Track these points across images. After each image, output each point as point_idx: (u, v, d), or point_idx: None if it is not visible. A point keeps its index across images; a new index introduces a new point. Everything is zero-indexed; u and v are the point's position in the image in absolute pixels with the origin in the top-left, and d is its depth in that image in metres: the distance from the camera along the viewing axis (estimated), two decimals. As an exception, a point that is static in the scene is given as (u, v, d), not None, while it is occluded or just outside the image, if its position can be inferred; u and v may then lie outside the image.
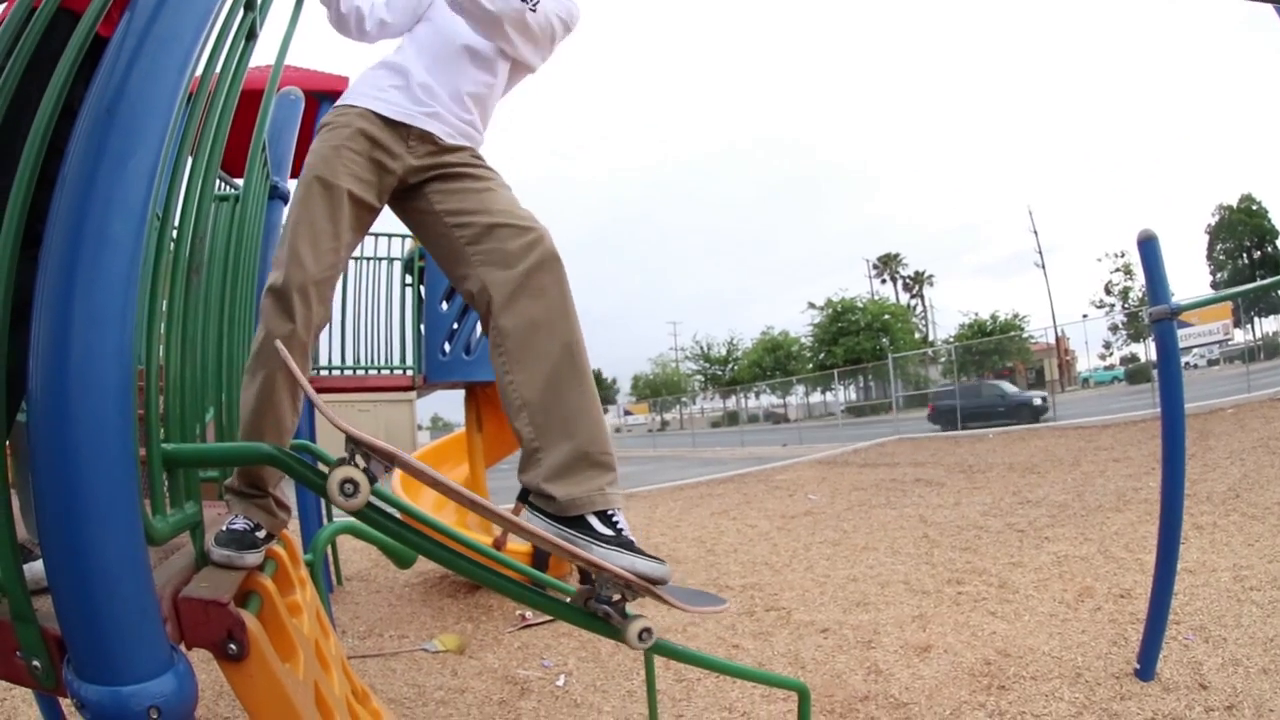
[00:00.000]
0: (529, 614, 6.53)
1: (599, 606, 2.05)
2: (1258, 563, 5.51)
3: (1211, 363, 35.00)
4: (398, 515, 1.95)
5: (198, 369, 2.09)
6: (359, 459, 1.70)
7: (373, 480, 1.71)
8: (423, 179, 2.35)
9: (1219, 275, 54.82)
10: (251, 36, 2.15)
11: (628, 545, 2.03)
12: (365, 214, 2.32)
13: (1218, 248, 55.94)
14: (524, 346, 2.16)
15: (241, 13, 2.05)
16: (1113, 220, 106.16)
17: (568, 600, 2.15)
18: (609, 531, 2.05)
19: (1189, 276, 63.00)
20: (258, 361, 2.14)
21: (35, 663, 1.36)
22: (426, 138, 2.33)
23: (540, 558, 7.09)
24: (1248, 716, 3.43)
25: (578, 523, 2.05)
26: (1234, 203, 55.59)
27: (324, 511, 7.27)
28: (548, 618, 6.28)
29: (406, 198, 2.39)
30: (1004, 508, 9.78)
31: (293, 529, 2.77)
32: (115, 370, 1.23)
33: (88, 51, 1.51)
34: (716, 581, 7.47)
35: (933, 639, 5.03)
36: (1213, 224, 56.66)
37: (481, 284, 2.22)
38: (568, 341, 2.17)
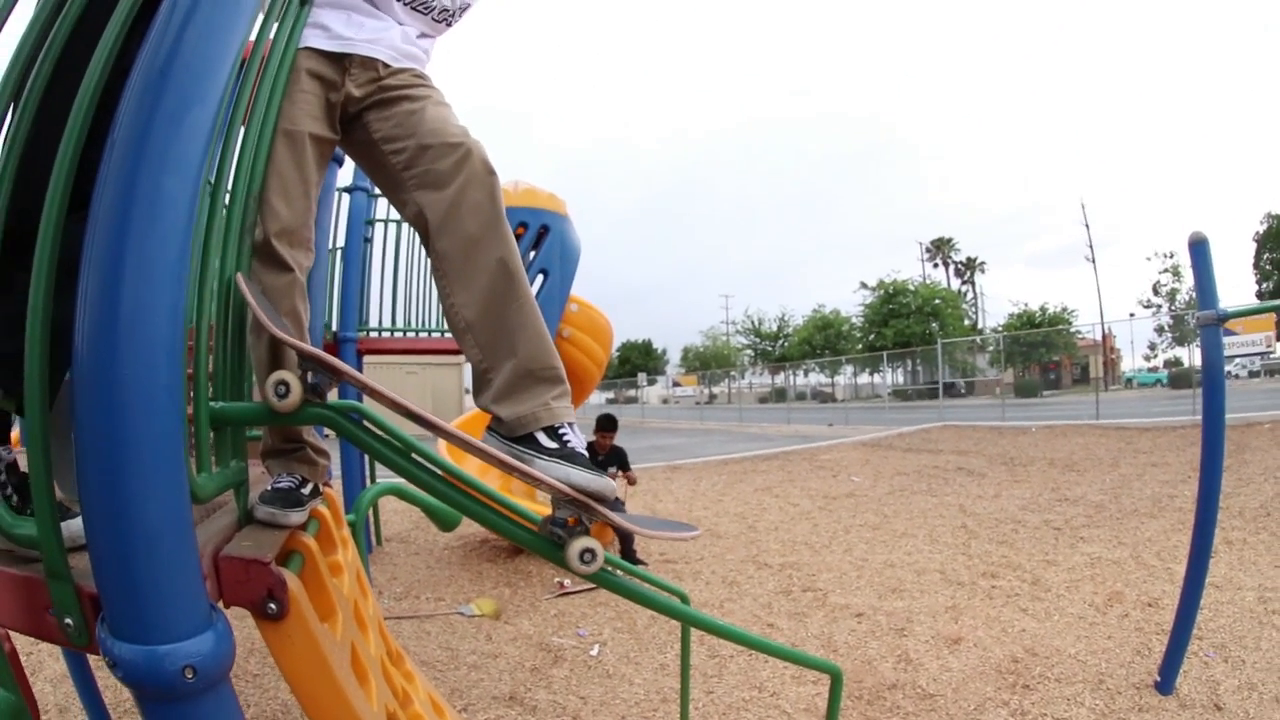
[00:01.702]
0: (567, 581, 6.64)
1: (553, 530, 1.95)
2: (1284, 585, 5.48)
3: (1253, 374, 34.31)
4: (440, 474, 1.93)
5: (247, 315, 2.01)
6: (309, 375, 1.72)
7: (318, 392, 1.74)
8: (362, 107, 2.30)
9: (1265, 285, 53.32)
10: (305, 0, 2.16)
11: (570, 457, 1.96)
12: (328, 148, 2.30)
13: (1265, 256, 54.23)
14: (461, 267, 2.14)
15: None
16: (1164, 219, 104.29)
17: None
18: (554, 445, 2.00)
19: (1234, 283, 61.61)
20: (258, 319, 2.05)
21: (68, 620, 1.34)
22: (368, 64, 2.28)
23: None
24: (1258, 743, 3.46)
25: (526, 440, 2.01)
26: None
27: (367, 472, 7.40)
28: (586, 585, 6.39)
29: (349, 130, 2.35)
30: (1042, 504, 9.74)
31: (336, 489, 2.83)
32: (166, 326, 1.21)
33: (140, 11, 1.49)
34: (756, 559, 7.55)
35: (964, 631, 5.08)
36: (1261, 232, 55.13)
37: (418, 208, 2.19)
38: (501, 256, 2.13)
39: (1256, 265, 54.88)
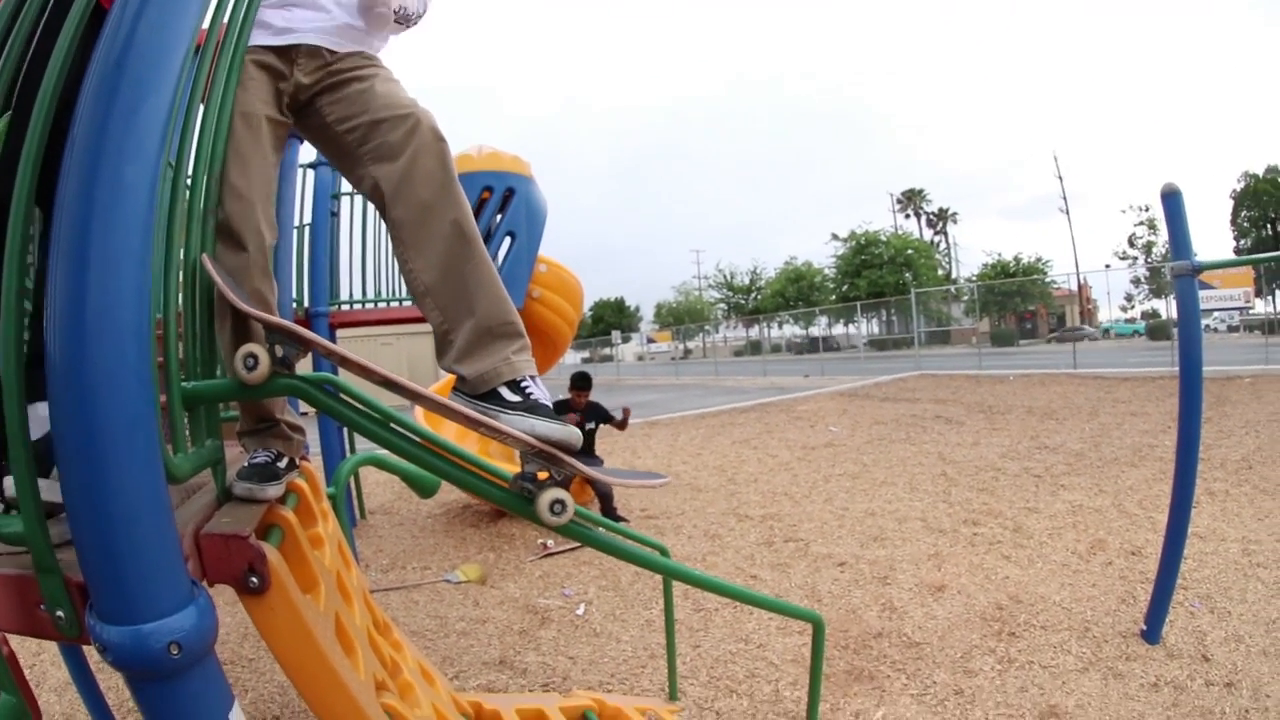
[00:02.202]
0: (550, 542, 6.63)
1: (523, 485, 1.97)
2: (1266, 539, 5.44)
3: (1231, 329, 34.54)
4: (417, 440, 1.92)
5: (211, 294, 2.02)
6: (277, 348, 1.72)
7: (287, 364, 1.73)
8: (313, 94, 2.33)
9: (1242, 242, 53.53)
10: None
11: (533, 409, 2.00)
12: (283, 130, 2.32)
13: (1242, 214, 54.43)
14: (417, 233, 2.18)
15: None
16: (1138, 174, 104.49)
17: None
18: (517, 398, 2.04)
19: (1212, 240, 62.06)
20: (224, 299, 2.05)
21: (59, 613, 1.36)
22: (314, 53, 2.31)
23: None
24: (1245, 696, 3.41)
25: (490, 396, 2.05)
26: (1260, 172, 54.29)
27: (346, 445, 7.34)
28: (570, 545, 6.40)
29: (303, 117, 2.38)
30: (1021, 451, 9.75)
31: (315, 464, 2.79)
32: (133, 311, 1.23)
33: (91, 19, 1.50)
34: (736, 511, 7.54)
35: (947, 579, 5.07)
36: (1238, 190, 55.36)
37: (374, 180, 2.23)
38: (455, 219, 2.18)
39: (1234, 222, 55.20)
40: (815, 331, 56.38)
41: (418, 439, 1.89)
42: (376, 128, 2.24)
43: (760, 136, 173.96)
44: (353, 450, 7.45)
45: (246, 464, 2.05)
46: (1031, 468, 8.65)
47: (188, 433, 1.71)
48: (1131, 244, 58.79)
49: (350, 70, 2.34)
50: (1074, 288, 38.82)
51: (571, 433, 1.96)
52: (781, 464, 10.23)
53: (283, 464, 2.14)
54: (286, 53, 2.27)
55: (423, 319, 7.52)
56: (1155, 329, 34.36)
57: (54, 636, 1.40)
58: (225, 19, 2.00)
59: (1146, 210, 56.51)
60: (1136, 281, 50.73)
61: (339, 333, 7.51)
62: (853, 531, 6.46)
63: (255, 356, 1.68)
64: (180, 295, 1.79)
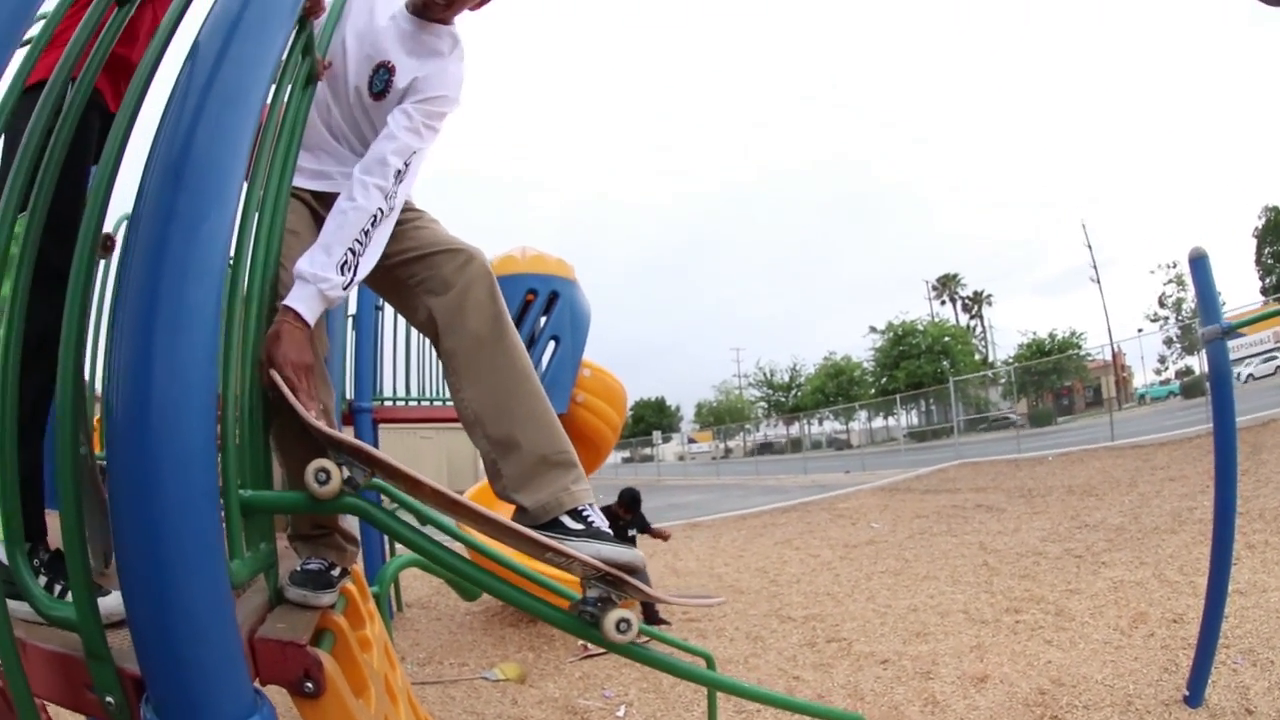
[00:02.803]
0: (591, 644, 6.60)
1: (585, 610, 2.04)
2: (1308, 584, 5.46)
3: (1264, 375, 34.10)
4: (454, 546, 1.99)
5: (263, 404, 2.01)
6: (344, 468, 1.76)
7: (355, 487, 1.78)
8: None
9: (1268, 279, 53.06)
10: (311, 80, 2.23)
11: (597, 535, 2.06)
12: None
13: (1266, 251, 54.00)
14: (470, 363, 2.22)
15: (300, 59, 2.11)
16: (1165, 229, 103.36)
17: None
18: (579, 526, 2.08)
19: (1239, 282, 61.61)
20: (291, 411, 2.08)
21: (109, 699, 1.35)
22: None
23: None
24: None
25: (553, 525, 2.09)
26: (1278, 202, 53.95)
27: (387, 544, 7.42)
28: (609, 647, 6.39)
29: None
30: (1062, 533, 9.70)
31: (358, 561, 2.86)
32: (199, 431, 1.23)
33: (85, 119, 1.60)
34: (779, 612, 7.52)
35: (990, 669, 5.06)
36: (1260, 227, 54.90)
37: (427, 311, 2.29)
38: (505, 350, 2.24)
39: (1259, 261, 54.59)
40: (855, 426, 56.15)
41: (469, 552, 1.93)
42: (428, 260, 2.31)
43: (793, 226, 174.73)
44: (393, 549, 7.54)
45: (299, 569, 2.07)
46: (1073, 548, 8.60)
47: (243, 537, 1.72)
48: (1162, 304, 58.38)
49: None
50: (1109, 358, 38.44)
51: (637, 556, 2.05)
52: (824, 563, 10.20)
53: (336, 571, 2.16)
54: (322, 196, 2.37)
55: None
56: (1189, 386, 33.92)
57: (102, 717, 1.40)
58: (280, 115, 2.05)
59: (1174, 267, 56.20)
60: (1169, 342, 50.15)
61: (381, 427, 7.56)
62: (895, 628, 6.45)
63: (327, 472, 1.73)
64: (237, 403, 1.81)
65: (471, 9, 2.59)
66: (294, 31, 1.91)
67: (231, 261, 1.63)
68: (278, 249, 2.06)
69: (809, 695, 4.94)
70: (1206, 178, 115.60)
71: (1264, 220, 54.38)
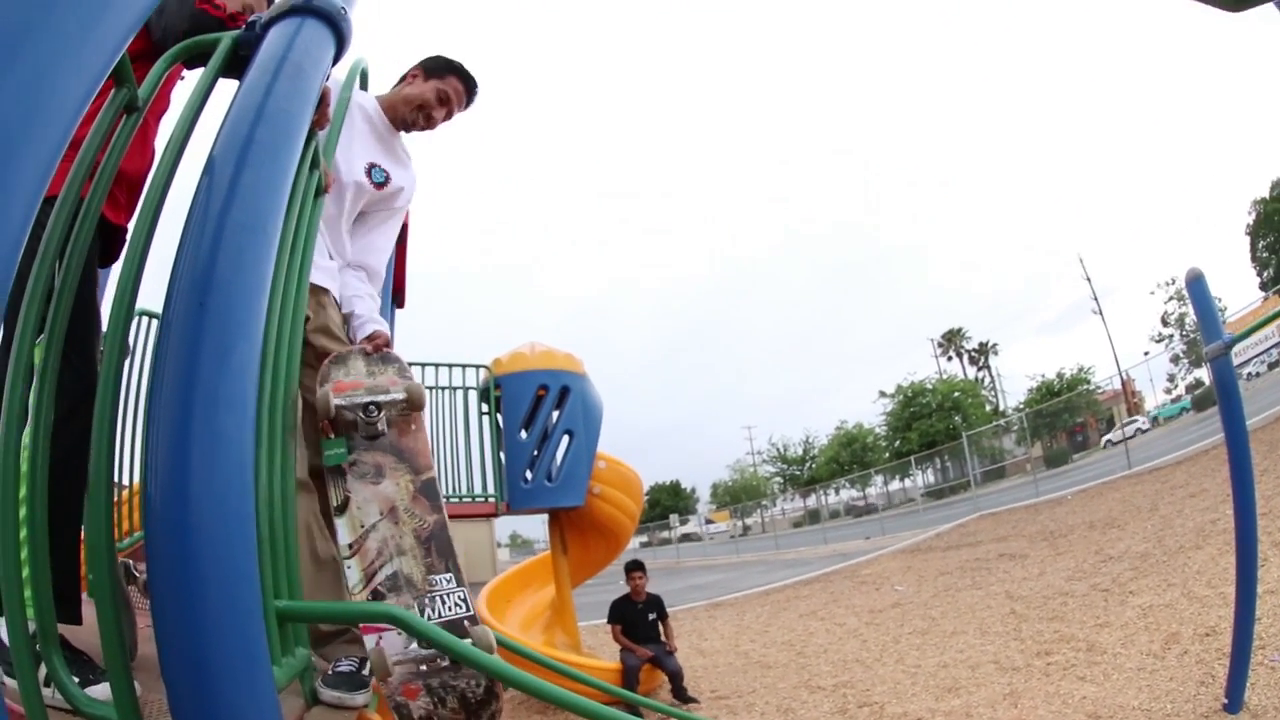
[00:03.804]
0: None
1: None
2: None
3: (1272, 366, 33.95)
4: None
5: (294, 517, 1.99)
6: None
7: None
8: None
9: (1265, 273, 52.99)
10: (320, 192, 2.28)
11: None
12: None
13: (1260, 245, 53.88)
14: None
15: (309, 171, 2.14)
16: (1160, 247, 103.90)
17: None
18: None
19: (1235, 280, 62.16)
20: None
21: None
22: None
23: (629, 676, 7.19)
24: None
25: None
26: (1266, 194, 53.98)
27: None
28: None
29: None
30: (1087, 569, 9.57)
31: None
32: (241, 555, 1.23)
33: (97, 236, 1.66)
34: (808, 683, 7.38)
35: (1024, 714, 4.96)
36: (1251, 223, 54.97)
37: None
38: None
39: (1254, 257, 54.67)
40: (872, 492, 55.85)
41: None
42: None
43: (793, 300, 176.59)
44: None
45: (332, 671, 2.12)
46: (1099, 583, 8.48)
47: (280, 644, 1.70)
48: (1165, 322, 58.49)
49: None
50: (1119, 387, 38.32)
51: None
52: (850, 631, 10.04)
53: (366, 670, 2.19)
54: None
55: (483, 515, 7.59)
56: (1200, 400, 33.72)
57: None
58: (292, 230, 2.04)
59: (1173, 283, 56.29)
60: (1176, 359, 50.04)
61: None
62: (926, 686, 6.32)
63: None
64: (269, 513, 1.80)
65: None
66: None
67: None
68: (299, 360, 2.07)
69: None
70: (1193, 185, 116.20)
71: (1254, 215, 54.54)
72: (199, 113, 1.73)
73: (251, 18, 1.86)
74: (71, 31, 0.95)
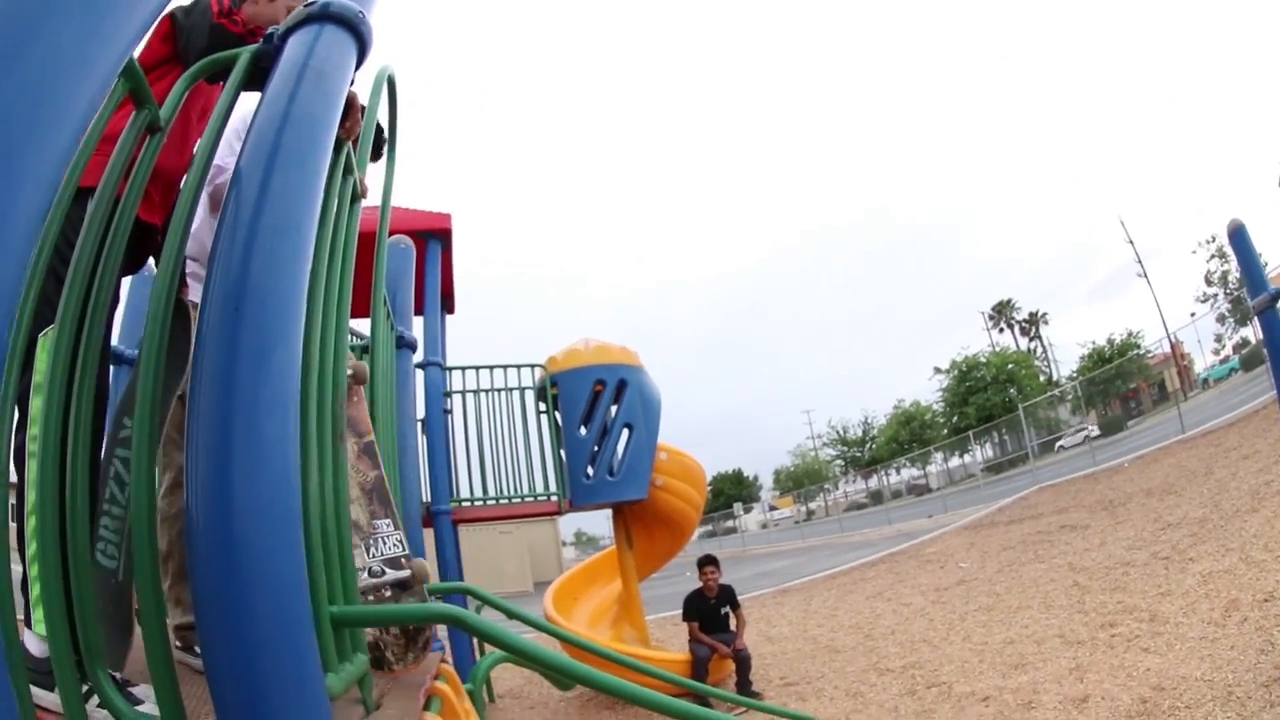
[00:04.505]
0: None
1: None
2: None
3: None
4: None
5: (348, 522, 1.95)
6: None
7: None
8: None
9: None
10: (356, 199, 2.24)
11: None
12: None
13: None
14: None
15: (342, 178, 2.10)
16: (1201, 203, 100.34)
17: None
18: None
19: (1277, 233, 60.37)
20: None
21: None
22: None
23: (699, 667, 7.12)
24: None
25: None
26: None
27: (476, 641, 7.39)
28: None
29: None
30: (1147, 537, 9.40)
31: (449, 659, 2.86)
32: (288, 562, 1.20)
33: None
34: (877, 665, 7.36)
35: (1090, 688, 4.90)
36: (1290, 172, 52.98)
37: None
38: None
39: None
40: (933, 469, 55.17)
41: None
42: None
43: (844, 282, 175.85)
44: (483, 649, 7.49)
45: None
46: (1159, 551, 8.34)
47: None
48: (1209, 281, 56.97)
49: None
50: (1168, 350, 37.23)
51: None
52: (916, 610, 9.98)
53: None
54: None
55: (546, 513, 7.50)
56: (1249, 358, 32.73)
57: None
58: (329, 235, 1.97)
59: (1214, 241, 54.78)
60: (1222, 318, 48.63)
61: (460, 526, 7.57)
62: (993, 664, 6.27)
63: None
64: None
65: None
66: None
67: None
68: (345, 366, 2.05)
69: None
70: (1229, 139, 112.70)
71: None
72: (222, 129, 1.71)
73: (269, 30, 1.83)
74: (78, 28, 0.94)
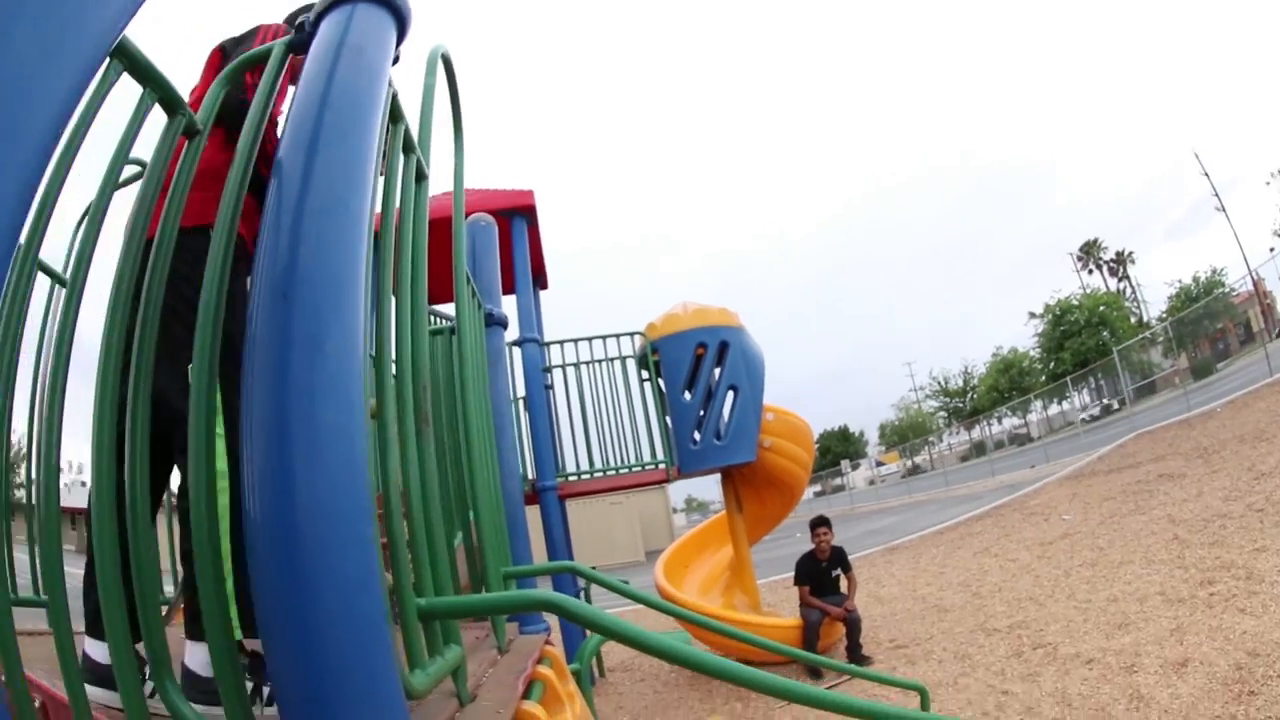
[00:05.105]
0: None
1: None
2: None
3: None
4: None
5: (438, 510, 1.87)
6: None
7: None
8: None
9: None
10: (421, 178, 2.13)
11: None
12: None
13: None
14: None
15: (403, 158, 2.02)
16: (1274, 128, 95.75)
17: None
18: None
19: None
20: None
21: None
22: None
23: (810, 632, 7.09)
24: None
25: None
26: None
27: None
28: (837, 680, 6.41)
29: None
30: (1242, 488, 9.24)
31: (555, 638, 2.91)
32: (354, 556, 1.12)
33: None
34: (984, 625, 7.42)
35: (1189, 651, 4.96)
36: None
37: None
38: None
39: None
40: (1033, 418, 54.02)
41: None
42: None
43: (933, 230, 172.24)
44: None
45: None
46: (1254, 503, 8.22)
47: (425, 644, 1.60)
48: (1287, 213, 54.00)
49: None
50: (1250, 288, 35.48)
51: None
52: (1023, 566, 9.95)
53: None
54: None
55: (654, 482, 7.70)
56: (1336, 285, 31.04)
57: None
58: (395, 217, 1.89)
59: (1288, 171, 51.97)
60: (1303, 249, 45.95)
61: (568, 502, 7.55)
62: (1097, 624, 6.31)
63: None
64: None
65: None
66: (388, 130, 1.79)
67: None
68: (424, 349, 1.97)
69: (1018, 709, 4.92)
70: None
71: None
72: (262, 124, 1.64)
73: (300, 19, 1.73)
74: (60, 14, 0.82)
